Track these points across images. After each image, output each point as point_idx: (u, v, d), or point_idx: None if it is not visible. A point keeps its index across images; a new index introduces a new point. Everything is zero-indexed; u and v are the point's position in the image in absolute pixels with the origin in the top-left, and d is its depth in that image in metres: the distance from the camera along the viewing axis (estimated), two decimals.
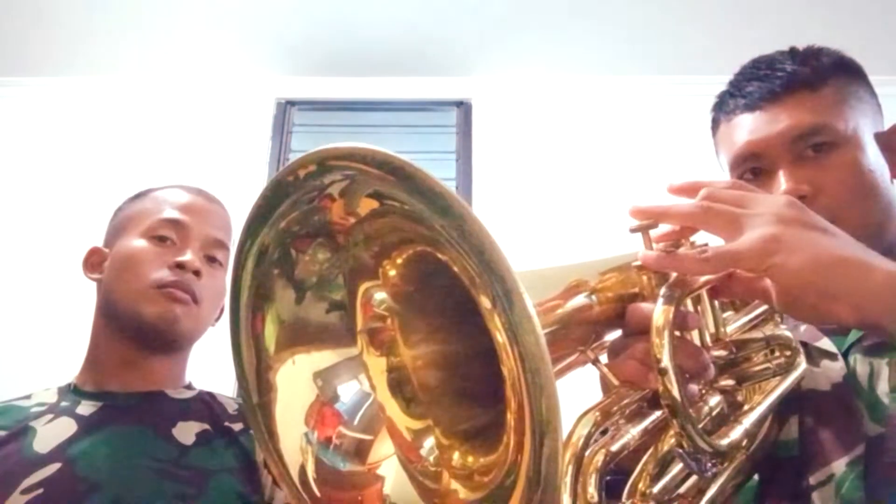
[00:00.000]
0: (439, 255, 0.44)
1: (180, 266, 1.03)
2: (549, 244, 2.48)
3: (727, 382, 0.65)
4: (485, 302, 0.39)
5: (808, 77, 0.83)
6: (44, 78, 2.82)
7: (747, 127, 0.85)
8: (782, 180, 0.80)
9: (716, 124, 0.92)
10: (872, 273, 0.51)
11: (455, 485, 0.45)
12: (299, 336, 0.49)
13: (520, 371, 0.35)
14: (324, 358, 0.50)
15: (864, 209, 0.78)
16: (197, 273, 1.05)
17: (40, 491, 0.89)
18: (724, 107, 0.90)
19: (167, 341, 1.05)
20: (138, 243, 1.06)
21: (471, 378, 0.49)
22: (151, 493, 0.91)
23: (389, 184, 0.40)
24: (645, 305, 0.54)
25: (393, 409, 0.49)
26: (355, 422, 0.49)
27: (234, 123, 2.80)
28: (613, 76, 2.80)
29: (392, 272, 0.49)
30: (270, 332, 0.48)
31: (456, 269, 0.43)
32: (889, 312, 0.51)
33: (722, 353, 0.62)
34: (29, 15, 2.58)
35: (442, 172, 2.77)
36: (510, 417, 0.40)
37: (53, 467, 0.91)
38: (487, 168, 2.70)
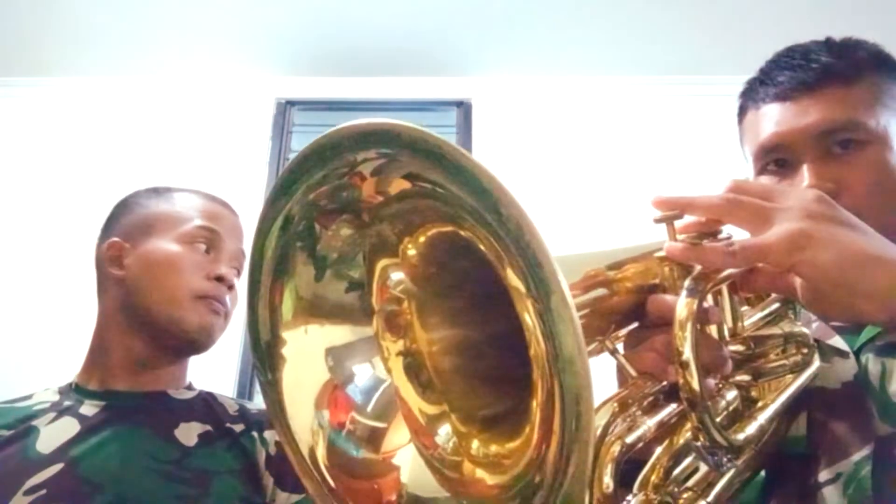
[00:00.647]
0: (464, 236, 0.44)
1: (220, 279, 1.04)
2: (548, 243, 2.47)
3: (743, 378, 0.64)
4: (517, 285, 0.38)
5: (843, 70, 0.80)
6: (44, 78, 2.82)
7: (775, 117, 0.82)
8: (806, 175, 0.78)
9: (742, 111, 0.90)
10: None
11: (480, 472, 0.44)
12: (315, 312, 0.48)
13: (552, 359, 0.34)
14: (338, 335, 0.49)
15: (889, 210, 0.77)
16: (231, 287, 1.06)
17: (43, 492, 0.88)
18: (753, 94, 0.87)
19: (196, 349, 1.05)
20: (175, 248, 1.05)
21: (488, 364, 0.49)
22: (154, 494, 0.91)
23: (425, 165, 0.39)
24: (668, 297, 0.53)
25: (408, 393, 0.49)
26: (369, 407, 0.48)
27: (234, 123, 2.80)
28: (614, 77, 2.81)
29: (412, 252, 0.48)
30: (288, 306, 0.48)
31: (484, 248, 0.42)
32: None
33: (739, 348, 0.62)
34: (30, 15, 2.57)
35: None
36: (535, 405, 0.39)
37: (56, 468, 0.91)
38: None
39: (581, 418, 0.32)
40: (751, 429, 0.56)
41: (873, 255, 0.51)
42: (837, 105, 0.79)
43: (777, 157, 0.83)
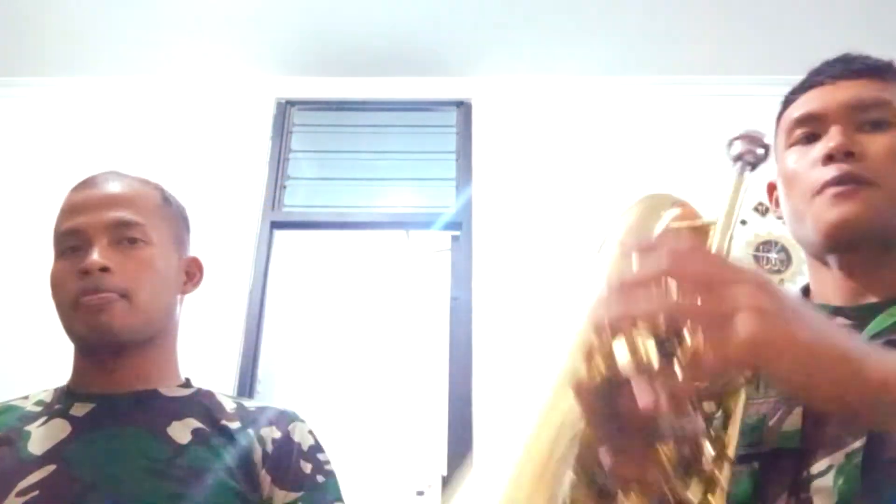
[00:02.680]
0: None
1: (85, 272, 1.00)
2: (548, 244, 2.48)
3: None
4: None
5: (886, 69, 0.86)
6: (44, 78, 2.82)
7: (812, 97, 0.86)
8: (833, 132, 0.81)
9: (785, 104, 0.92)
10: (866, 375, 0.51)
11: None
12: None
13: None
14: None
15: None
16: (105, 269, 1.00)
17: (36, 493, 0.88)
18: (798, 89, 0.90)
19: (116, 346, 1.02)
20: (55, 266, 1.04)
21: None
22: (147, 493, 0.91)
23: None
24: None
25: None
26: None
27: (234, 123, 2.80)
28: (613, 77, 2.81)
29: None
30: None
31: None
32: (881, 414, 0.52)
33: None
34: (30, 15, 2.58)
35: (442, 172, 2.78)
36: None
37: (49, 469, 0.91)
38: (487, 168, 2.70)
39: None
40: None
41: (824, 355, 0.51)
42: (874, 88, 0.83)
43: (808, 131, 0.85)
